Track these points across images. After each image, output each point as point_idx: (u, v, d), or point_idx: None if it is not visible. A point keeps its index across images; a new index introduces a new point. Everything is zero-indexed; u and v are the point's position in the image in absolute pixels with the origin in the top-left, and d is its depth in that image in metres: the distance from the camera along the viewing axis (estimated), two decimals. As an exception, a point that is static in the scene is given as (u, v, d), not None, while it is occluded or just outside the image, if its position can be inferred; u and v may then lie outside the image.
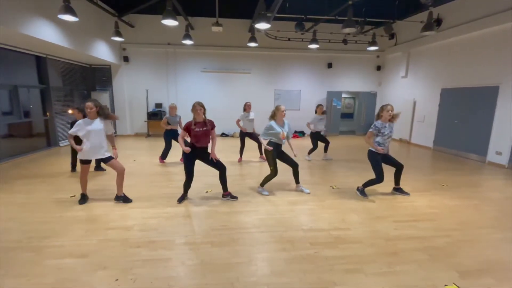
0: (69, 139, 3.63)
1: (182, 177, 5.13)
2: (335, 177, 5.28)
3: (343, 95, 11.82)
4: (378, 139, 3.92)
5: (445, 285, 2.21)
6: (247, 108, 6.23)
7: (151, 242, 2.81)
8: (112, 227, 3.12)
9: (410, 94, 9.37)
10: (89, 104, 3.51)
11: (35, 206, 3.69)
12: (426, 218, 3.45)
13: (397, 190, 4.33)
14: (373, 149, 3.96)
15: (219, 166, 3.82)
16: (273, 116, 4.11)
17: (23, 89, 6.81)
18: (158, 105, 10.26)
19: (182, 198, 3.92)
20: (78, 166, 5.41)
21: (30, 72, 7.17)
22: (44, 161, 6.31)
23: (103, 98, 9.84)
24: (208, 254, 2.62)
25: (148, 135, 10.32)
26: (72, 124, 5.20)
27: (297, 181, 4.38)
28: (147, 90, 10.11)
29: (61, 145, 8.00)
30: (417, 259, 2.56)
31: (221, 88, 10.53)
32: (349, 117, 12.92)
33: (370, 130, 3.94)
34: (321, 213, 3.59)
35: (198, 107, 3.59)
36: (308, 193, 4.30)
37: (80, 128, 3.52)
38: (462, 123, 7.38)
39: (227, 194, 3.99)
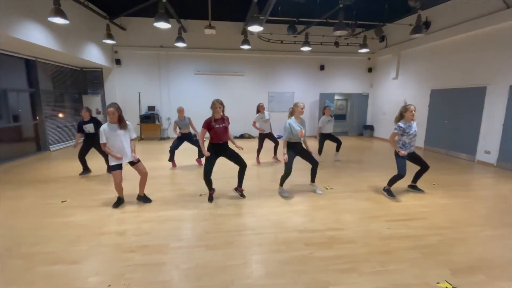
0: (105, 149, 3.56)
1: (175, 180, 5.14)
2: (329, 177, 5.31)
3: (336, 97, 11.94)
4: (404, 138, 4.01)
5: (438, 283, 2.25)
6: (261, 109, 6.25)
7: (145, 246, 2.78)
8: (105, 232, 3.07)
9: (401, 95, 9.52)
10: (111, 109, 3.51)
11: (24, 212, 3.61)
12: (418, 217, 3.50)
13: (413, 187, 4.45)
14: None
15: (241, 162, 3.89)
16: (291, 114, 4.12)
17: (12, 92, 6.68)
18: (151, 108, 10.18)
19: (211, 197, 3.97)
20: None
21: (20, 76, 7.05)
22: (34, 166, 6.18)
23: (95, 102, 9.73)
24: (202, 257, 2.60)
25: (140, 139, 10.22)
26: (79, 125, 5.16)
27: (312, 180, 4.40)
28: (139, 93, 10.03)
29: (51, 149, 7.85)
30: (409, 258, 2.60)
31: (215, 90, 10.49)
32: (342, 118, 13.03)
33: (394, 131, 3.99)
34: (316, 213, 3.61)
35: (218, 105, 3.65)
36: (321, 194, 4.31)
37: (106, 134, 3.52)
38: (452, 123, 7.53)
39: (240, 190, 4.09)
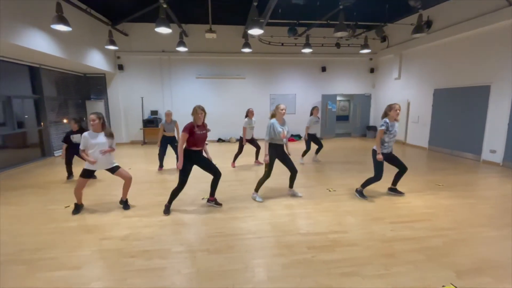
0: (82, 154, 3.55)
1: (176, 185, 5.11)
2: (331, 179, 5.28)
3: (338, 98, 11.92)
4: (385, 137, 3.93)
5: (443, 286, 2.20)
6: (250, 114, 6.17)
7: (146, 251, 2.77)
8: (106, 237, 3.08)
9: (403, 95, 9.46)
10: (92, 116, 3.53)
11: (27, 218, 3.63)
12: (422, 218, 3.45)
13: (392, 190, 4.35)
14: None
15: (216, 171, 3.80)
16: (273, 116, 4.08)
17: (16, 99, 6.76)
18: (154, 112, 10.24)
19: (168, 209, 3.77)
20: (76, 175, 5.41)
21: (24, 83, 7.13)
22: (38, 171, 6.24)
23: (98, 107, 9.81)
24: (204, 262, 2.59)
25: (143, 143, 10.28)
26: (67, 135, 5.20)
27: (291, 186, 4.37)
28: (142, 98, 10.11)
29: (55, 155, 7.93)
30: (413, 260, 2.56)
31: (217, 93, 10.55)
32: (345, 119, 12.99)
33: (381, 128, 3.89)
34: (318, 216, 3.58)
35: (200, 111, 3.60)
36: (301, 196, 4.29)
37: (87, 141, 3.52)
38: (456, 122, 7.45)
39: (212, 200, 3.98)
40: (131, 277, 2.37)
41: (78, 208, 3.81)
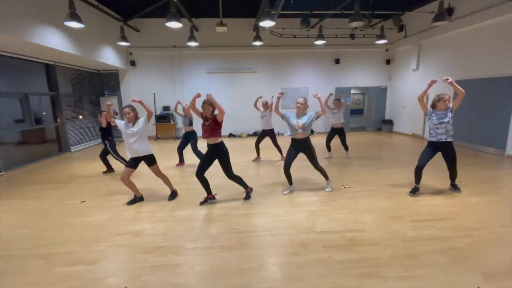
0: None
1: (192, 179, 5.11)
2: (347, 175, 5.13)
3: (352, 91, 11.60)
4: (429, 124, 3.90)
5: (470, 290, 2.08)
6: (263, 106, 6.27)
7: (160, 247, 2.77)
8: (121, 232, 3.10)
9: (422, 88, 8.97)
10: (126, 109, 3.70)
11: (45, 213, 3.71)
12: (445, 217, 3.29)
13: (453, 186, 4.19)
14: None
15: (225, 172, 3.81)
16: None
17: (33, 96, 6.93)
18: (166, 108, 10.31)
19: (206, 200, 3.89)
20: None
21: (40, 80, 7.30)
22: (55, 167, 6.40)
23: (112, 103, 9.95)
24: (217, 259, 2.55)
25: (156, 138, 10.39)
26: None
27: (326, 178, 4.32)
28: (154, 94, 10.17)
29: (72, 150, 8.12)
30: (437, 262, 2.43)
31: (228, 88, 10.48)
32: (359, 113, 12.67)
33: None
34: (334, 214, 3.48)
35: (206, 106, 3.63)
36: (329, 191, 4.23)
37: (121, 126, 3.70)
38: (479, 115, 7.08)
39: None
40: (145, 273, 2.36)
41: (134, 200, 3.96)
